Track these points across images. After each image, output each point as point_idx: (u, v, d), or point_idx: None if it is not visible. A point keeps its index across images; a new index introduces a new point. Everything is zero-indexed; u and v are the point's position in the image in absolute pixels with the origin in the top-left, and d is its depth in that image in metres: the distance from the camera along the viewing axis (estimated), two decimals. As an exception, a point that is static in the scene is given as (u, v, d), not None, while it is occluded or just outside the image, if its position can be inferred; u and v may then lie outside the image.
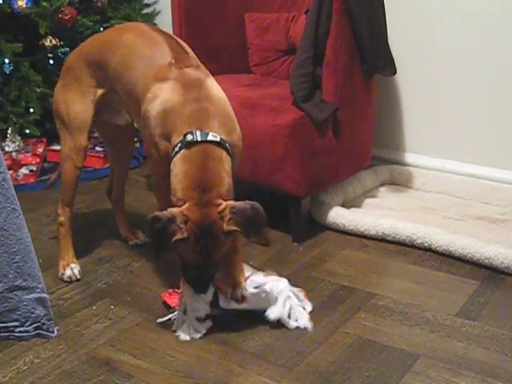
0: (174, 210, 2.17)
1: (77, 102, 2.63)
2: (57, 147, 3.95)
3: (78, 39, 3.86)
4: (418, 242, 2.93)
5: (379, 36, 3.15)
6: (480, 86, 3.45)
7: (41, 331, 2.30)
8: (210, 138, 2.23)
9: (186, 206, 2.16)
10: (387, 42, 3.22)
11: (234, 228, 2.16)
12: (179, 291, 2.45)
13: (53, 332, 2.32)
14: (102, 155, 3.90)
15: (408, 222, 3.04)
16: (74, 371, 2.15)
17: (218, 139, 2.23)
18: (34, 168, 3.76)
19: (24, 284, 2.24)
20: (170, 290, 2.51)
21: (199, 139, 2.22)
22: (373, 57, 3.14)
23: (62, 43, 3.79)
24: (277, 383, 2.08)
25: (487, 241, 2.87)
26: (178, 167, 2.23)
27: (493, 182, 3.45)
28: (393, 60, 3.27)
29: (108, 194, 3.05)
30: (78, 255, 2.75)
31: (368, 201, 3.43)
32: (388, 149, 3.74)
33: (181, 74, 2.36)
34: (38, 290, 2.27)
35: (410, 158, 3.70)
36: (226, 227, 2.16)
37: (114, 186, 3.02)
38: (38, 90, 3.74)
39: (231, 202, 2.19)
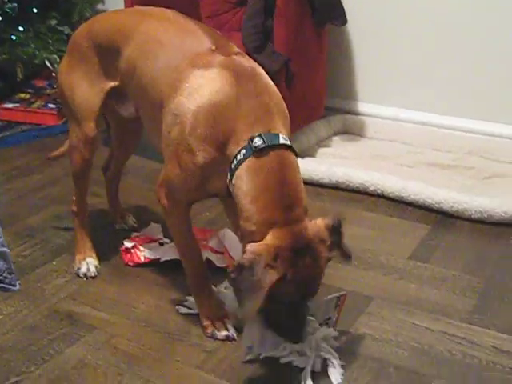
0: (256, 246, 1.75)
1: (83, 88, 2.30)
2: (8, 105, 3.93)
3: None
4: (371, 188, 3.00)
5: (329, -14, 3.17)
6: (430, 35, 3.49)
7: (3, 285, 2.32)
8: (281, 141, 1.85)
9: (272, 233, 1.77)
10: (337, -8, 3.24)
11: (337, 253, 1.88)
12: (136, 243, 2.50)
13: (15, 285, 2.34)
14: (55, 112, 3.87)
15: (361, 169, 3.10)
16: (37, 325, 2.17)
17: (289, 142, 1.87)
18: (-14, 127, 3.73)
19: (-17, 239, 2.25)
20: (127, 245, 2.54)
21: (270, 143, 1.82)
22: (323, 7, 3.16)
23: (8, -1, 3.73)
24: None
25: (438, 186, 2.95)
26: (248, 182, 1.82)
27: (444, 129, 3.53)
28: (343, 10, 3.30)
29: (103, 171, 2.78)
30: (35, 212, 2.75)
31: (322, 150, 3.47)
32: (341, 99, 3.78)
33: (229, 61, 1.94)
34: (-2, 245, 2.29)
35: (362, 107, 3.75)
36: (328, 254, 1.83)
37: (111, 165, 2.75)
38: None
39: (325, 221, 1.85)
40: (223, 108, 1.86)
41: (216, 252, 2.49)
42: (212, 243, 2.52)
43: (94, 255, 2.49)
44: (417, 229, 2.76)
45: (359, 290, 2.32)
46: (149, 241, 2.56)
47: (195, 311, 2.17)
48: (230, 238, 2.51)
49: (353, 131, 3.67)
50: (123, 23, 2.23)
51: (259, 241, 1.77)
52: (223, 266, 2.43)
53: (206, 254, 2.44)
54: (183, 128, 1.89)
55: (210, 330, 2.10)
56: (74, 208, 2.50)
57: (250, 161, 1.82)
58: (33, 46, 3.91)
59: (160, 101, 2.01)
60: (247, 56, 2.04)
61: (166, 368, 1.98)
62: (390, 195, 2.96)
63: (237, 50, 2.04)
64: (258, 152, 1.82)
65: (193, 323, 2.17)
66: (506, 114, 3.39)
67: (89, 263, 2.45)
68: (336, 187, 3.06)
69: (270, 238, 1.77)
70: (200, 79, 1.91)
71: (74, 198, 2.49)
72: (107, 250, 2.58)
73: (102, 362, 2.01)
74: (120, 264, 2.49)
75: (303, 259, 1.77)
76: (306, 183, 3.01)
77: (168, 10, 2.22)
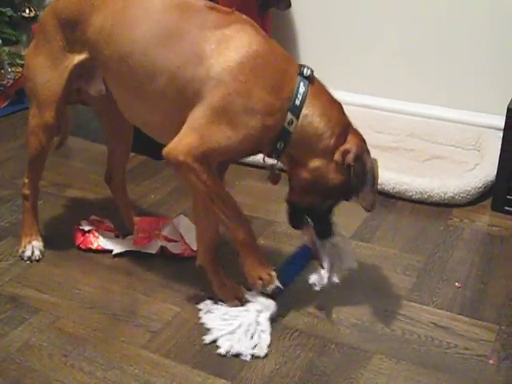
0: (352, 141, 1.97)
1: (47, 70, 2.20)
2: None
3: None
4: (315, 170, 3.03)
5: (273, -31, 3.18)
6: (371, 19, 3.54)
7: None
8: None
9: (351, 133, 2.00)
10: (281, -24, 3.26)
11: None
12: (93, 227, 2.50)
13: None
14: (-3, 95, 3.83)
15: (305, 152, 3.12)
16: (-19, 309, 2.17)
17: None
18: None
19: None
20: (84, 227, 2.52)
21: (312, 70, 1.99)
22: (267, -10, 3.18)
23: None
24: (181, 308, 2.17)
25: (380, 168, 2.99)
26: (319, 106, 1.96)
27: (386, 112, 3.57)
28: (287, -7, 3.33)
29: (107, 181, 2.59)
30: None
31: (267, 133, 3.49)
32: (285, 82, 3.80)
33: (238, 16, 2.01)
34: None
35: (306, 90, 3.77)
36: None
37: (112, 170, 2.56)
38: None
39: None
40: (264, 55, 1.92)
41: (170, 241, 2.47)
42: (166, 232, 2.48)
43: (40, 238, 2.46)
44: (359, 209, 2.77)
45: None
46: (106, 228, 2.55)
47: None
48: (185, 225, 2.50)
49: (297, 114, 3.69)
50: None
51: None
52: (178, 252, 2.43)
53: (160, 243, 2.44)
54: (228, 88, 1.88)
55: (259, 286, 2.06)
56: (26, 191, 2.42)
57: (311, 89, 1.95)
58: (-26, 27, 3.86)
59: (165, 70, 1.94)
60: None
61: (111, 348, 2.00)
62: (333, 177, 3.00)
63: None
64: (311, 80, 1.96)
65: (138, 304, 2.19)
66: (445, 97, 3.46)
67: (34, 246, 2.42)
68: (280, 169, 3.07)
69: (353, 137, 1.99)
70: (226, 38, 1.91)
71: (26, 181, 2.42)
72: (51, 233, 2.57)
73: (46, 343, 2.02)
74: (64, 246, 2.49)
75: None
76: (251, 165, 3.08)
77: None
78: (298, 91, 1.94)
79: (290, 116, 1.94)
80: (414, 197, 2.87)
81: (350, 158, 1.95)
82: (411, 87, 3.54)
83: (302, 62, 2.02)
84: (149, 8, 2.00)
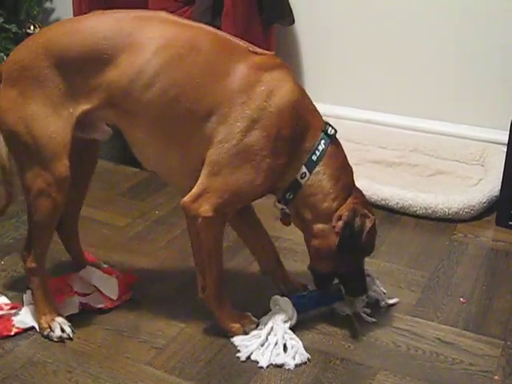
0: (348, 206, 2.01)
1: (48, 118, 1.90)
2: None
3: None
4: (319, 186, 3.03)
5: (277, -14, 3.20)
6: (375, 35, 3.55)
7: (-51, 285, 2.30)
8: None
9: (352, 196, 2.05)
10: (285, -8, 3.27)
11: None
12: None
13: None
14: None
15: (309, 167, 3.12)
16: (-15, 325, 2.16)
17: None
18: None
19: None
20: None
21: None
22: (271, 6, 3.19)
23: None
24: (185, 324, 2.17)
25: (384, 183, 3.01)
26: (332, 167, 2.01)
27: (389, 127, 3.58)
28: (291, 10, 3.33)
29: (56, 228, 2.17)
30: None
31: (270, 149, 3.49)
32: (289, 98, 3.81)
33: (278, 60, 2.01)
34: None
35: (310, 106, 3.78)
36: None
37: (65, 216, 2.22)
38: None
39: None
40: (300, 105, 1.97)
41: (85, 295, 2.26)
42: (77, 287, 2.28)
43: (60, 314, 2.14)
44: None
45: (307, 283, 2.35)
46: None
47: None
48: (97, 276, 2.32)
49: (301, 130, 3.70)
50: (110, 30, 1.91)
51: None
52: (101, 306, 2.23)
53: (77, 300, 2.23)
54: (267, 132, 1.91)
55: (240, 331, 2.09)
56: (32, 265, 2.10)
57: (330, 148, 2.00)
58: (-21, 44, 3.87)
59: (205, 110, 1.90)
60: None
61: (115, 365, 1.99)
62: (337, 192, 3.00)
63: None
64: (332, 139, 2.02)
65: (142, 320, 2.19)
66: (449, 112, 3.47)
67: (61, 323, 2.10)
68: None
69: (352, 200, 2.03)
70: (273, 81, 1.93)
71: (26, 253, 2.13)
72: (53, 250, 2.54)
73: (51, 359, 2.01)
74: (67, 262, 2.47)
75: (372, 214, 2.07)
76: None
77: (159, 12, 2.05)
78: (317, 147, 1.99)
79: (304, 169, 1.99)
80: (418, 212, 2.87)
81: (338, 225, 2.01)
82: (415, 102, 3.55)
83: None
84: (198, 46, 1.93)
